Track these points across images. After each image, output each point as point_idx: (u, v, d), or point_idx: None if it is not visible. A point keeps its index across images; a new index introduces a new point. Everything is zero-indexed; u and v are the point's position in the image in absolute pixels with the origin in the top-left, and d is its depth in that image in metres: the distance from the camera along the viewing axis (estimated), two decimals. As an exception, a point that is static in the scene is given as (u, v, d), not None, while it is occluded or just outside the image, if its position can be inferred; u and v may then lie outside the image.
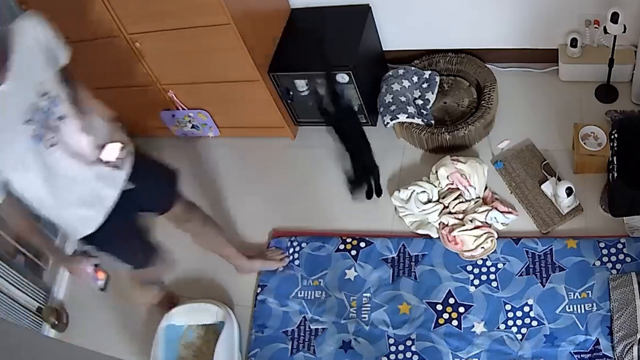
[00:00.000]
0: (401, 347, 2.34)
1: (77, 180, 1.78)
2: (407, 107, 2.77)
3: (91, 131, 1.83)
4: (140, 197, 1.99)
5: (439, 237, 2.53)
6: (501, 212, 2.48)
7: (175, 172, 2.19)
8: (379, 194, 2.70)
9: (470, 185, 2.56)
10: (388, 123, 2.74)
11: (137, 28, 2.60)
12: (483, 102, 2.71)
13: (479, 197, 2.57)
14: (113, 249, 2.02)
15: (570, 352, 2.16)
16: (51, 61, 1.77)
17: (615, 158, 2.30)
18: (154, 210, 2.19)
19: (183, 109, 3.00)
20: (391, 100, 2.76)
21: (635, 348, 2.04)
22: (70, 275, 1.98)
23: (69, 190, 1.77)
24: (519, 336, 2.24)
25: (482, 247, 2.43)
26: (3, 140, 1.57)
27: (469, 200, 2.56)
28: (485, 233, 2.44)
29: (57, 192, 1.74)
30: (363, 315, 2.44)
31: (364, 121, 2.90)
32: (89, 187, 1.81)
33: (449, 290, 2.40)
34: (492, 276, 2.39)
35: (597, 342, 2.14)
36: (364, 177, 2.66)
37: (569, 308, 2.24)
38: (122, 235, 2.00)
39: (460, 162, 2.57)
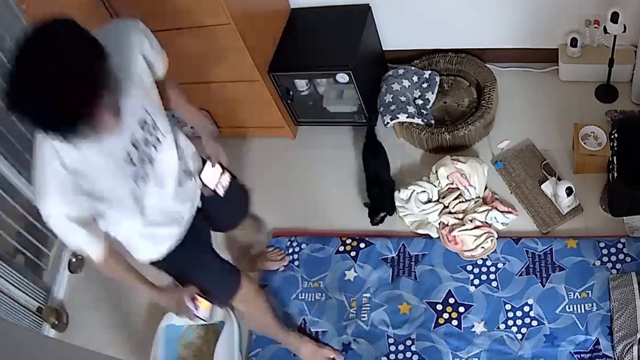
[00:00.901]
0: (401, 347, 2.34)
1: (165, 204, 1.71)
2: (407, 107, 2.77)
3: (183, 148, 1.76)
4: (216, 217, 1.93)
5: (439, 237, 2.53)
6: (501, 212, 2.48)
7: (249, 192, 2.13)
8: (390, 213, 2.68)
9: (470, 185, 2.56)
10: (388, 123, 2.74)
11: (137, 28, 2.60)
12: (483, 102, 2.71)
13: (479, 197, 2.57)
14: (193, 270, 1.87)
15: (570, 352, 2.16)
16: (151, 78, 1.64)
17: (615, 158, 2.30)
18: (223, 230, 2.14)
19: (183, 109, 3.00)
20: (391, 100, 2.76)
21: (635, 348, 2.04)
22: (172, 311, 1.87)
23: (154, 215, 1.69)
24: (519, 336, 2.24)
25: (482, 247, 2.43)
26: (108, 187, 1.51)
27: (469, 200, 2.56)
28: (485, 233, 2.44)
29: (145, 220, 1.67)
30: (363, 315, 2.44)
31: (364, 121, 2.90)
32: (172, 206, 1.74)
33: (449, 290, 2.40)
34: (492, 276, 2.39)
35: (597, 342, 2.14)
36: (381, 205, 2.64)
37: (569, 308, 2.24)
38: (196, 253, 1.88)
39: (460, 162, 2.57)
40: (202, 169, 1.77)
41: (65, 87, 1.22)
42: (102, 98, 1.27)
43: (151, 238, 1.74)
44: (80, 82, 1.24)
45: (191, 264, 1.85)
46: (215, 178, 1.77)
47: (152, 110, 1.57)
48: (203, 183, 1.77)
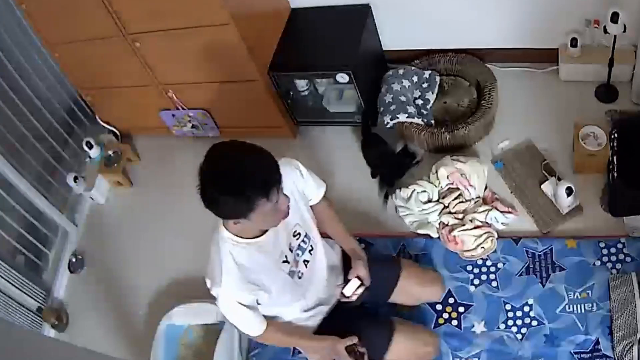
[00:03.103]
0: (401, 347, 2.33)
1: (319, 294, 2.02)
2: (407, 107, 2.77)
3: (330, 254, 2.06)
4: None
5: (439, 237, 2.52)
6: (501, 212, 2.48)
7: (395, 261, 2.22)
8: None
9: (470, 185, 2.56)
10: (388, 123, 2.74)
11: (137, 28, 2.60)
12: (483, 102, 2.71)
13: (479, 197, 2.57)
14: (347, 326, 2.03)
15: (570, 352, 2.16)
16: (304, 200, 1.94)
17: (615, 158, 2.30)
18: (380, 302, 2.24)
19: (183, 108, 3.00)
20: (391, 100, 2.76)
21: (635, 348, 2.04)
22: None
23: (310, 300, 2.00)
24: (519, 336, 2.24)
25: (482, 247, 2.42)
26: (269, 279, 1.80)
27: (469, 200, 2.56)
28: (485, 233, 2.44)
29: (302, 304, 1.98)
30: (363, 315, 2.43)
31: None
32: (324, 293, 2.03)
33: (449, 290, 2.40)
34: (492, 276, 2.39)
35: (597, 342, 2.14)
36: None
37: (569, 308, 2.24)
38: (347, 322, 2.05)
39: (460, 162, 2.57)
40: (344, 285, 1.98)
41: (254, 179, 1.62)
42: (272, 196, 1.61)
43: (306, 317, 2.02)
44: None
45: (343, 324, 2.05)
46: (353, 289, 1.97)
47: (304, 225, 1.90)
48: (343, 294, 1.97)
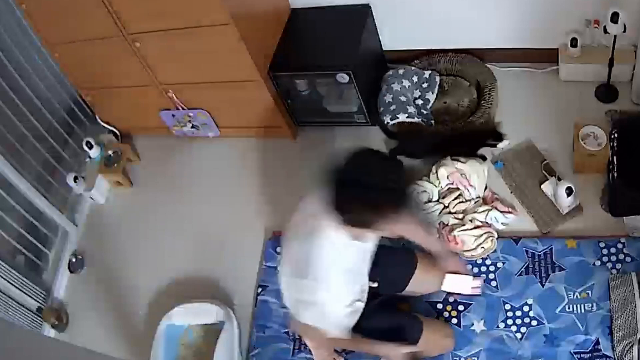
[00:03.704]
0: (401, 347, 2.33)
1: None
2: (407, 107, 2.77)
3: None
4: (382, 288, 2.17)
5: (439, 237, 2.52)
6: (501, 212, 2.48)
7: (411, 254, 2.28)
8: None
9: (470, 185, 2.56)
10: (388, 123, 2.74)
11: (137, 28, 2.60)
12: (483, 102, 2.71)
13: (479, 197, 2.57)
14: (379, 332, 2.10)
15: (570, 352, 2.16)
16: None
17: (615, 158, 2.30)
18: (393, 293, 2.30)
19: (183, 108, 3.00)
20: (391, 100, 2.76)
21: (635, 348, 2.04)
22: None
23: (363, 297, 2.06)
24: (519, 335, 2.24)
25: (482, 247, 2.43)
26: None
27: (469, 200, 2.56)
28: (485, 233, 2.44)
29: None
30: (363, 315, 2.43)
31: (364, 121, 2.90)
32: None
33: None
34: (491, 275, 2.39)
35: (597, 342, 2.14)
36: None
37: (569, 308, 2.24)
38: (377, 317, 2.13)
39: (460, 162, 2.57)
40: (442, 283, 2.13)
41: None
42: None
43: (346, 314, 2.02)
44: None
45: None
46: (465, 283, 2.03)
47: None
48: (449, 292, 2.05)
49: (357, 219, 1.71)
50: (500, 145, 2.58)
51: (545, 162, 2.59)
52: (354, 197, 1.66)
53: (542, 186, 2.52)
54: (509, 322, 2.28)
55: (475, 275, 2.12)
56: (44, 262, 2.95)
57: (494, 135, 2.59)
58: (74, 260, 2.99)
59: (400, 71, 2.87)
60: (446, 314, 2.35)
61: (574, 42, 2.64)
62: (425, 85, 2.88)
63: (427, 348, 2.15)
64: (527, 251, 2.39)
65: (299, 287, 1.91)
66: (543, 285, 2.31)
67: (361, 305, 2.03)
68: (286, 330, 2.50)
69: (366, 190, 1.63)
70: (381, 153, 1.75)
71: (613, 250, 2.31)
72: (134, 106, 3.11)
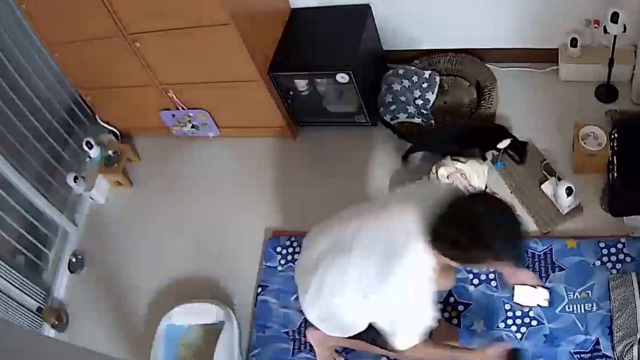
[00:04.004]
0: (401, 347, 2.33)
1: None
2: (407, 107, 2.77)
3: None
4: None
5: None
6: (501, 212, 2.48)
7: None
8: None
9: (471, 185, 2.56)
10: (388, 123, 2.74)
11: (137, 28, 2.60)
12: (483, 102, 2.71)
13: (479, 197, 2.57)
14: None
15: (570, 352, 2.16)
16: None
17: (615, 158, 2.30)
18: None
19: (183, 108, 3.00)
20: (391, 100, 2.76)
21: (635, 348, 2.04)
22: None
23: None
24: (519, 335, 2.24)
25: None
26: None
27: (469, 200, 2.56)
28: (485, 233, 2.44)
29: None
30: (363, 315, 2.43)
31: (364, 121, 2.90)
32: None
33: (449, 289, 2.40)
34: (491, 275, 2.39)
35: (597, 342, 2.14)
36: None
37: (569, 308, 2.24)
38: None
39: (460, 162, 2.57)
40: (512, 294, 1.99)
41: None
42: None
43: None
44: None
45: None
46: (536, 296, 1.98)
47: None
48: (519, 304, 1.99)
49: (458, 255, 1.65)
50: (500, 145, 2.57)
51: (545, 162, 2.59)
52: (466, 237, 1.59)
53: (542, 186, 2.52)
54: (509, 322, 2.28)
55: (543, 287, 2.06)
56: (44, 262, 2.95)
57: (503, 133, 2.58)
58: (74, 260, 2.99)
59: (400, 71, 2.87)
60: (446, 314, 2.35)
61: (574, 42, 2.64)
62: (425, 85, 2.88)
63: None
64: (527, 251, 2.39)
65: (350, 298, 1.83)
66: (543, 286, 2.30)
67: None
68: (286, 330, 2.50)
69: (481, 235, 1.58)
70: (504, 202, 1.66)
71: (613, 250, 2.31)
72: (134, 106, 3.11)
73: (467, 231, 1.58)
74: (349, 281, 1.80)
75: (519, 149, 2.53)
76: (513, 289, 1.98)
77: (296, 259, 2.64)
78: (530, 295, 1.95)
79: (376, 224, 1.79)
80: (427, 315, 1.75)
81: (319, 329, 2.24)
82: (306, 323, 2.45)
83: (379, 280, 1.73)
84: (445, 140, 2.68)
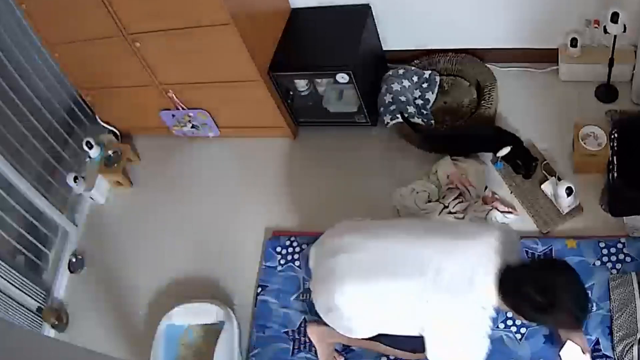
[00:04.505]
0: (401, 347, 2.33)
1: None
2: (407, 107, 2.77)
3: None
4: None
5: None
6: (501, 212, 2.48)
7: None
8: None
9: (470, 185, 2.56)
10: (388, 123, 2.74)
11: (137, 28, 2.60)
12: (483, 102, 2.71)
13: (479, 197, 2.57)
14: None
15: (570, 352, 2.16)
16: None
17: (615, 158, 2.30)
18: None
19: (183, 108, 3.00)
20: (391, 100, 2.76)
21: (635, 348, 2.04)
22: None
23: None
24: (518, 336, 2.24)
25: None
26: None
27: (469, 200, 2.56)
28: (485, 233, 2.44)
29: None
30: (363, 315, 2.43)
31: (364, 121, 2.90)
32: None
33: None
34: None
35: (597, 342, 2.14)
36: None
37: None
38: None
39: (460, 162, 2.57)
40: (561, 347, 2.00)
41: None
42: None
43: None
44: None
45: None
46: (579, 357, 1.98)
47: None
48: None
49: (528, 313, 1.72)
50: (500, 153, 2.56)
51: (545, 162, 2.59)
52: (545, 303, 1.66)
53: (542, 186, 2.52)
54: (509, 322, 2.28)
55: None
56: (44, 262, 2.95)
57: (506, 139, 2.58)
58: (74, 260, 2.99)
59: (400, 71, 2.87)
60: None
61: (574, 42, 2.64)
62: (425, 85, 2.88)
63: None
64: (527, 252, 2.39)
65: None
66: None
67: None
68: (286, 330, 2.50)
69: (560, 304, 1.66)
70: (575, 274, 1.74)
71: (613, 250, 2.31)
72: (134, 106, 3.11)
73: (547, 298, 1.64)
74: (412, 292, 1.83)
75: (528, 163, 2.53)
76: (564, 344, 1.99)
77: (297, 259, 2.64)
78: (576, 355, 1.97)
79: (451, 256, 1.81)
80: (474, 346, 1.80)
81: (320, 326, 2.26)
82: (306, 322, 2.46)
83: (444, 296, 1.77)
84: (469, 141, 2.66)
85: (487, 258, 1.75)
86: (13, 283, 2.64)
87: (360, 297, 1.91)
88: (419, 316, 1.83)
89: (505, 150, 2.52)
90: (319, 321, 2.23)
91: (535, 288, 1.65)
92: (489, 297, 1.74)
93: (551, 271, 1.72)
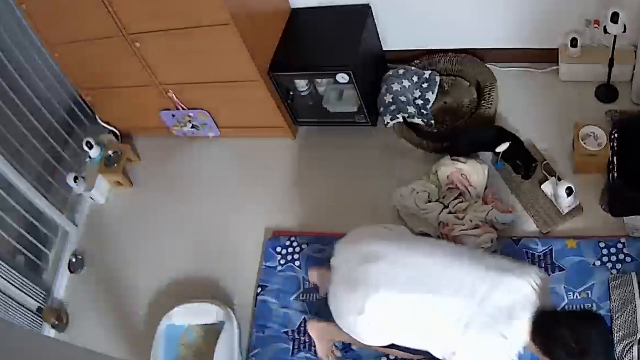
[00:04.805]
0: (401, 347, 2.33)
1: None
2: (407, 107, 2.77)
3: None
4: None
5: (439, 237, 2.52)
6: (501, 212, 2.48)
7: None
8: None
9: (470, 185, 2.56)
10: (388, 123, 2.74)
11: (137, 28, 2.60)
12: (483, 102, 2.71)
13: (479, 197, 2.57)
14: None
15: (570, 352, 2.15)
16: None
17: (615, 158, 2.30)
18: None
19: (183, 108, 3.00)
20: (391, 100, 2.76)
21: (635, 348, 2.04)
22: None
23: None
24: None
25: (482, 247, 2.42)
26: None
27: (469, 200, 2.56)
28: (485, 233, 2.44)
29: None
30: (363, 315, 2.43)
31: (364, 121, 2.90)
32: None
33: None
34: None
35: (597, 342, 2.14)
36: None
37: (569, 308, 2.24)
38: None
39: (460, 162, 2.57)
40: None
41: None
42: None
43: None
44: None
45: None
46: None
47: None
48: None
49: (557, 356, 1.75)
50: (499, 149, 2.56)
51: (545, 162, 2.59)
52: (577, 353, 1.70)
53: (542, 186, 2.52)
54: None
55: None
56: (44, 262, 2.95)
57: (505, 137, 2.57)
58: (74, 260, 2.99)
59: (400, 71, 2.87)
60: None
61: (574, 42, 2.64)
62: (425, 85, 2.88)
63: None
64: (527, 252, 2.39)
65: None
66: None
67: None
68: (285, 330, 2.50)
69: (590, 356, 1.70)
70: (607, 327, 1.84)
71: (613, 250, 2.31)
72: (134, 106, 3.11)
73: (581, 346, 1.69)
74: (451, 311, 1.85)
75: (528, 164, 2.53)
76: None
77: (297, 259, 2.64)
78: None
79: (496, 290, 1.84)
80: None
81: (320, 322, 2.26)
82: (306, 321, 2.46)
83: (486, 322, 1.80)
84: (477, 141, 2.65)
85: (527, 297, 1.80)
86: (13, 283, 2.64)
87: (394, 306, 1.93)
88: (452, 338, 1.84)
89: (504, 146, 2.51)
90: (320, 318, 2.23)
91: (571, 334, 1.70)
92: (522, 333, 1.78)
93: (588, 322, 1.78)
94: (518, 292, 1.82)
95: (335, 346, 2.38)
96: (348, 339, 2.21)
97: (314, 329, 2.35)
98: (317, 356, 2.38)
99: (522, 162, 2.53)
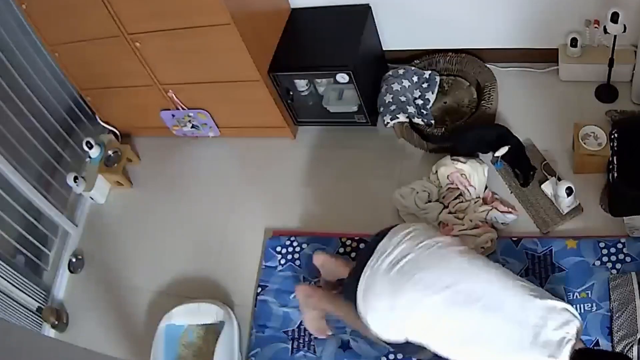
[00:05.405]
0: (401, 347, 2.33)
1: None
2: (407, 107, 2.77)
3: None
4: None
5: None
6: (501, 212, 2.48)
7: None
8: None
9: (470, 185, 2.56)
10: (388, 123, 2.74)
11: (137, 28, 2.60)
12: (483, 102, 2.71)
13: (479, 197, 2.57)
14: None
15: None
16: None
17: (615, 158, 2.30)
18: None
19: (183, 108, 3.00)
20: (391, 100, 2.76)
21: (635, 348, 2.04)
22: None
23: None
24: None
25: (482, 247, 2.42)
26: None
27: (469, 200, 2.56)
28: (485, 233, 2.44)
29: None
30: (363, 315, 2.43)
31: (364, 121, 2.90)
32: None
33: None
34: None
35: (597, 342, 2.14)
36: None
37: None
38: None
39: (460, 162, 2.57)
40: None
41: None
42: None
43: None
44: None
45: None
46: None
47: None
48: None
49: None
50: (497, 153, 2.56)
51: (545, 162, 2.59)
52: None
53: (542, 186, 2.52)
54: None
55: None
56: (44, 262, 2.95)
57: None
58: (74, 260, 2.99)
59: (400, 71, 2.87)
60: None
61: (574, 42, 2.64)
62: (425, 85, 2.88)
63: None
64: (527, 253, 2.39)
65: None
66: (543, 287, 2.30)
67: None
68: (285, 330, 2.50)
69: None
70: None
71: (613, 250, 2.31)
72: (134, 106, 3.11)
73: None
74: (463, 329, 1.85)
75: (527, 172, 2.52)
76: None
77: (297, 259, 2.64)
78: None
79: (549, 321, 1.82)
80: None
81: (315, 289, 2.31)
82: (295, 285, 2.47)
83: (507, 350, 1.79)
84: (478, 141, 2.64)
85: (573, 336, 1.78)
86: (13, 283, 2.64)
87: (439, 313, 1.88)
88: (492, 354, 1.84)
89: (504, 150, 2.52)
90: (314, 285, 2.18)
91: None
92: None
93: None
94: (565, 330, 1.79)
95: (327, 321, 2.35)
96: (344, 316, 2.17)
97: (302, 293, 2.33)
98: (316, 355, 2.38)
99: (521, 170, 2.53)
